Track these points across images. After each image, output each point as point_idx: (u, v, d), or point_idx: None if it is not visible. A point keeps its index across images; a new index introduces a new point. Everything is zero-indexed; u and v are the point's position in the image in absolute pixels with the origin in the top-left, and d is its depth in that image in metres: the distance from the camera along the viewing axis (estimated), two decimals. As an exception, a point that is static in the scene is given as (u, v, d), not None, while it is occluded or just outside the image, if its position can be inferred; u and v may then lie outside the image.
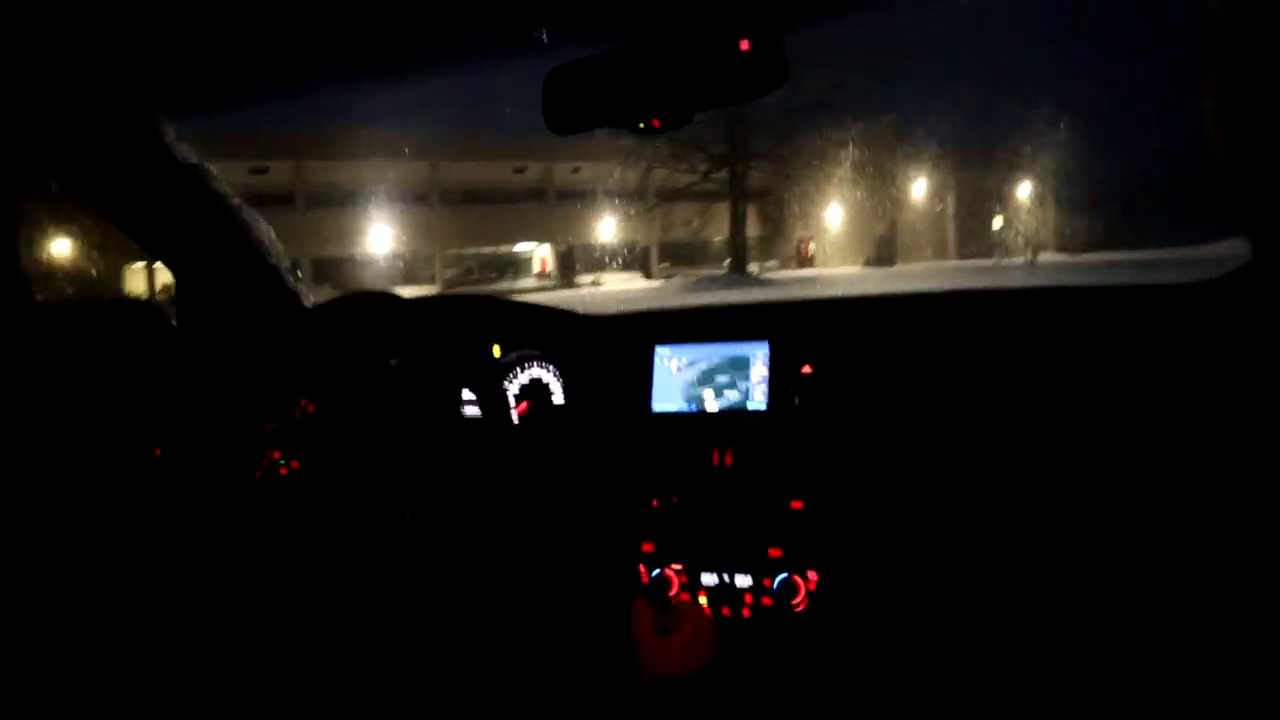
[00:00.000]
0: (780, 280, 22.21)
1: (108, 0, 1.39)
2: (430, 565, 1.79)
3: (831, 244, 30.81)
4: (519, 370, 1.83)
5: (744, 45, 1.17)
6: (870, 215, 27.72)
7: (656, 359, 1.71)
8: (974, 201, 27.99)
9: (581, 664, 1.59)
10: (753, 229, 26.95)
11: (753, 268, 25.77)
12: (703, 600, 1.55)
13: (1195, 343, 1.26)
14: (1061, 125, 24.05)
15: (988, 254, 25.39)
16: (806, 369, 1.58)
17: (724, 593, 1.54)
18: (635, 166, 24.57)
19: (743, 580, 1.53)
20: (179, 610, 1.71)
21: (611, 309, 2.01)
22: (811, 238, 31.56)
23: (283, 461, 1.90)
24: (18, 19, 1.42)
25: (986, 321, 1.58)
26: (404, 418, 1.84)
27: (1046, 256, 22.96)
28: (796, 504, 1.50)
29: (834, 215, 29.33)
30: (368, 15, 1.53)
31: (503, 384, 1.80)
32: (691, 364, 1.68)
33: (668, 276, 28.46)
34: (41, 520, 1.57)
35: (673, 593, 1.51)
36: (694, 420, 1.65)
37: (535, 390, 1.83)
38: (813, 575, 1.47)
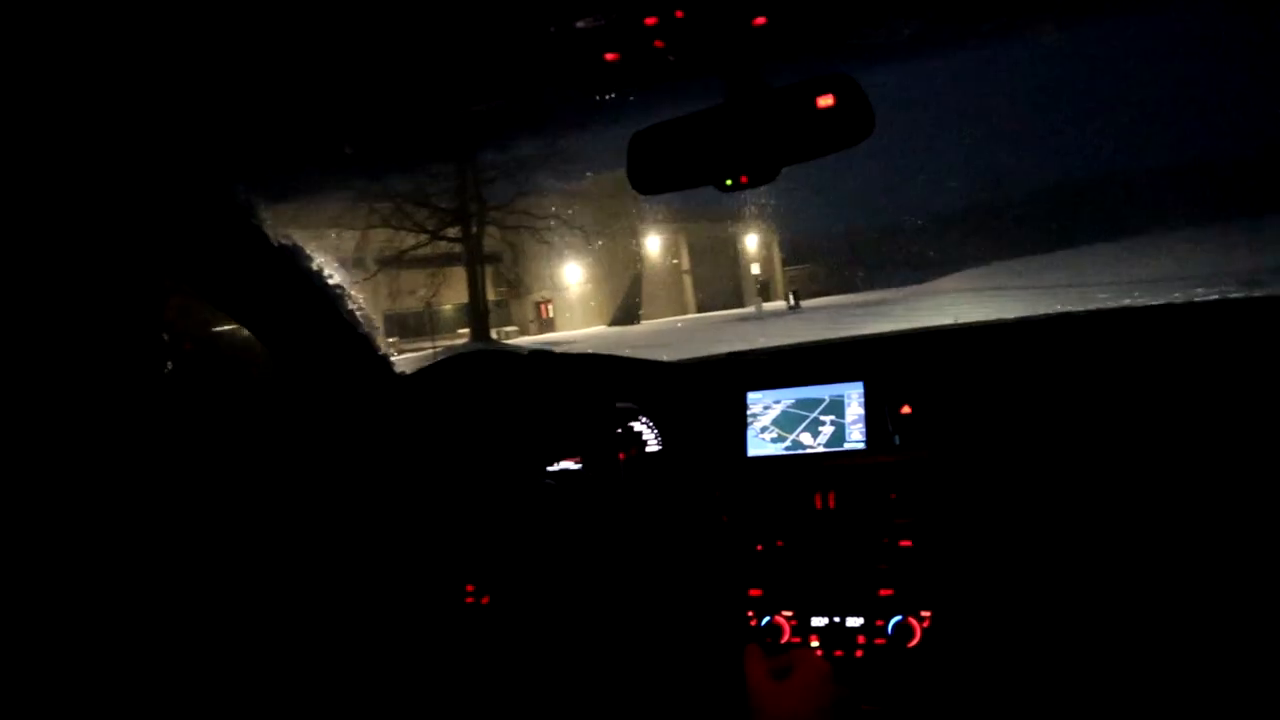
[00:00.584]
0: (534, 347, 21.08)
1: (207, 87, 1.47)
2: (537, 626, 1.81)
3: (575, 305, 29.10)
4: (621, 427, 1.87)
5: (822, 102, 1.20)
6: (612, 272, 26.52)
7: (750, 404, 1.73)
8: (707, 253, 27.70)
9: (696, 714, 1.59)
10: (490, 292, 23.98)
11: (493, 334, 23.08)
12: (814, 644, 1.55)
13: None
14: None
15: (728, 305, 25.10)
16: (906, 409, 1.58)
17: (835, 635, 1.54)
18: (349, 229, 19.85)
19: (854, 621, 1.53)
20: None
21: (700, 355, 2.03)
22: (551, 299, 29.48)
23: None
24: (121, 103, 1.50)
25: (1083, 346, 1.57)
26: (502, 476, 1.88)
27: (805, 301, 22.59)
28: (905, 543, 1.50)
29: (573, 273, 27.95)
30: (446, 92, 1.58)
31: (611, 436, 1.84)
32: (785, 407, 1.70)
33: (398, 353, 27.21)
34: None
35: (785, 639, 1.53)
36: (792, 463, 1.66)
37: (631, 440, 1.86)
38: (926, 614, 1.47)
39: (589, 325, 27.51)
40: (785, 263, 29.79)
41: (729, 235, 28.17)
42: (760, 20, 1.12)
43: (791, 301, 22.95)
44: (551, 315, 29.85)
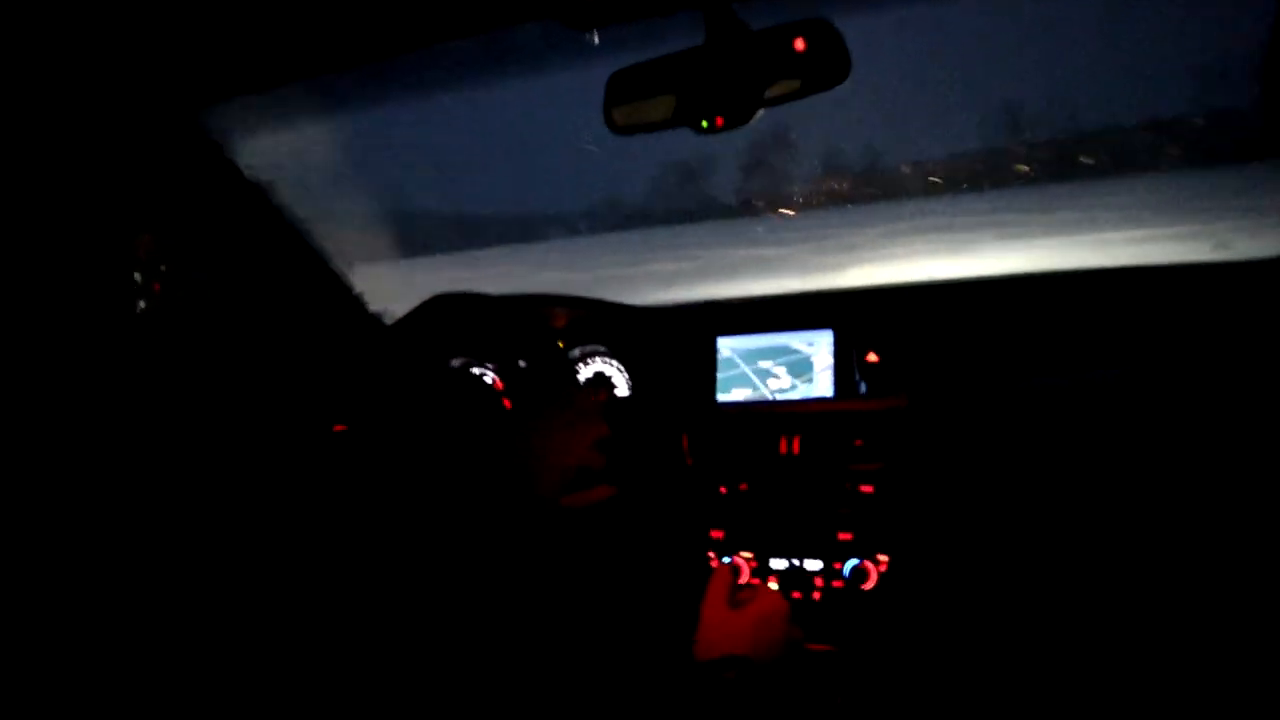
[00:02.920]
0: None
1: None
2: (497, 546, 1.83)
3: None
4: (584, 364, 1.88)
5: (799, 45, 1.19)
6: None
7: (719, 349, 1.74)
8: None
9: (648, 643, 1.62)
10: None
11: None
12: (773, 585, 1.58)
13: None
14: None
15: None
16: (872, 357, 1.60)
17: (794, 577, 1.57)
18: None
19: (812, 564, 1.56)
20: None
21: (671, 299, 2.04)
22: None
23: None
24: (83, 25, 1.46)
25: (1055, 303, 1.59)
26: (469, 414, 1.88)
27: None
28: (866, 489, 1.53)
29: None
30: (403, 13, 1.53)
31: (574, 375, 1.85)
32: (754, 354, 1.71)
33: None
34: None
35: (744, 579, 1.56)
36: (759, 409, 1.68)
37: (601, 383, 1.87)
38: (883, 558, 1.50)
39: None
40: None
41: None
42: None
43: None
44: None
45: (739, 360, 1.72)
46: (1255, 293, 1.40)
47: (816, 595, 1.55)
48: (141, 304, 1.87)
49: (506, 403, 1.73)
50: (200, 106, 1.74)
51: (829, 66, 1.19)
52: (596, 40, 1.49)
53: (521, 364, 1.87)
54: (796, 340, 1.68)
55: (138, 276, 1.85)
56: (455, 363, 1.95)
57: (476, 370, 1.93)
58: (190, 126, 1.77)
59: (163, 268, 1.97)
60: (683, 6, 1.24)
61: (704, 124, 1.27)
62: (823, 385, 1.64)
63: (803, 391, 1.66)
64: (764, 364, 1.70)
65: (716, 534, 1.64)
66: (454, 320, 1.96)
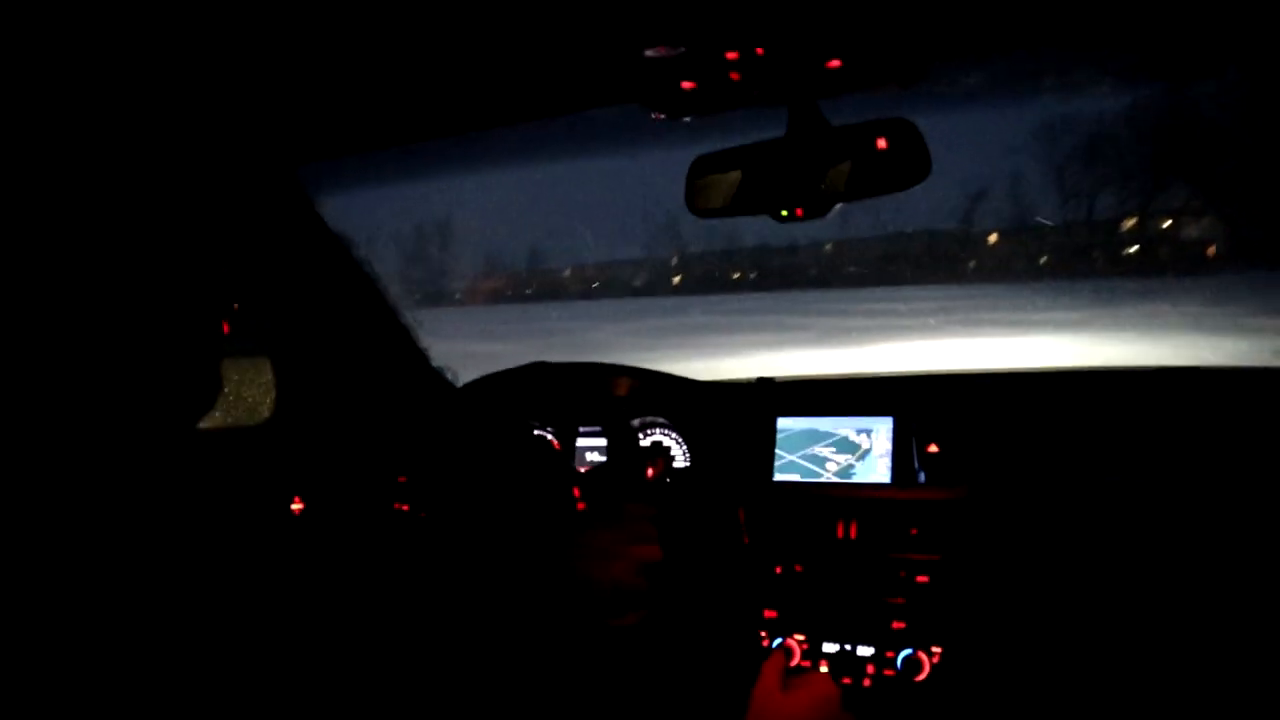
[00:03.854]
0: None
1: None
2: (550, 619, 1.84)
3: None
4: (645, 434, 1.91)
5: (881, 144, 1.23)
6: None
7: (779, 429, 1.77)
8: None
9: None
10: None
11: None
12: (824, 669, 1.57)
13: None
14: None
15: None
16: (933, 447, 1.61)
17: (845, 662, 1.57)
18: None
19: (864, 650, 1.56)
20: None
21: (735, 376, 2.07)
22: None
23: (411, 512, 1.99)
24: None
25: (1113, 400, 1.60)
26: (536, 481, 1.92)
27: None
28: (922, 578, 1.53)
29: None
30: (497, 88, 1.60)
31: (636, 443, 1.88)
32: (813, 436, 1.73)
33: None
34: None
35: (795, 661, 1.56)
36: (816, 491, 1.69)
37: (660, 454, 1.90)
38: (936, 650, 1.50)
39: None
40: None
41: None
42: (835, 63, 1.16)
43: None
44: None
45: (798, 441, 1.74)
46: None
47: (867, 682, 1.54)
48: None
49: (580, 504, 1.77)
50: (300, 162, 1.83)
51: (911, 165, 1.23)
52: (687, 121, 1.54)
53: (593, 456, 1.90)
54: (856, 425, 1.70)
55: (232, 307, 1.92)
56: (529, 426, 1.99)
57: (540, 432, 1.98)
58: (287, 180, 1.85)
59: (235, 306, 2.05)
60: (767, 102, 1.29)
61: (784, 213, 1.32)
62: (881, 471, 1.65)
63: (861, 476, 1.67)
64: (822, 447, 1.72)
65: (770, 614, 1.64)
66: (531, 386, 2.01)
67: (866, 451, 1.68)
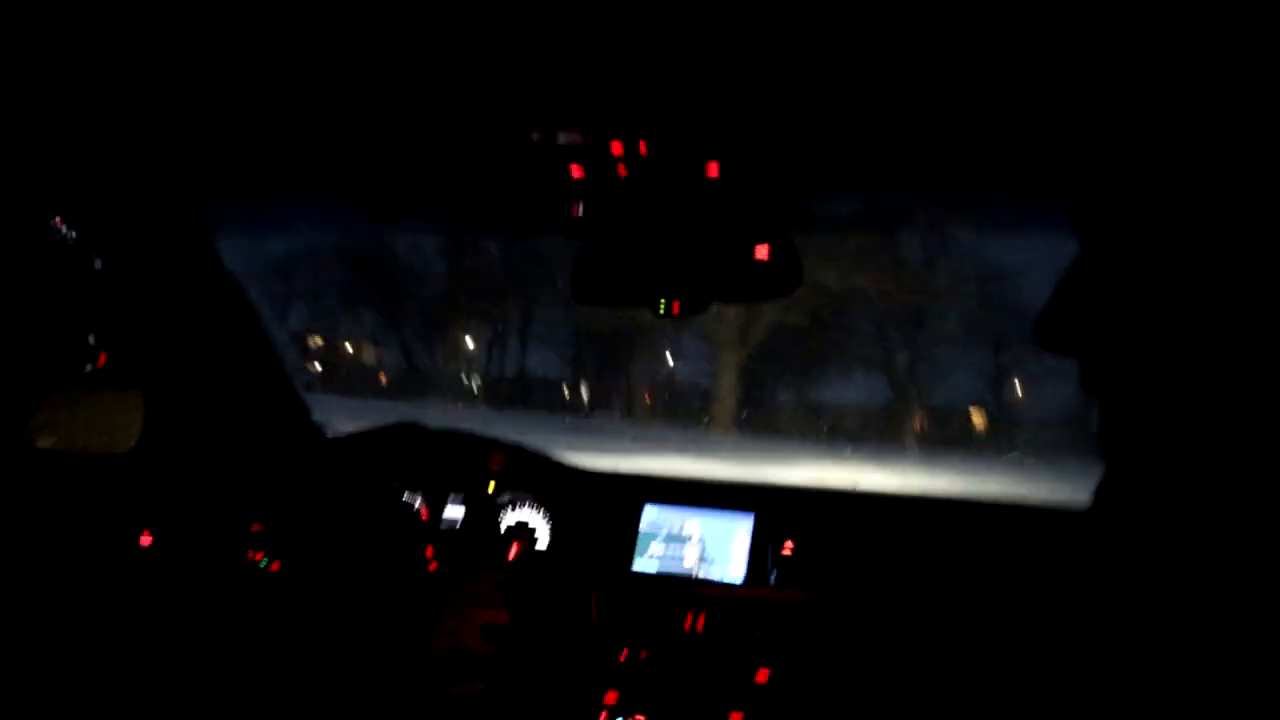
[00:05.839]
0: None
1: None
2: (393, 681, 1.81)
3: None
4: (511, 508, 1.92)
5: (760, 253, 1.31)
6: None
7: (643, 518, 1.81)
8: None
9: None
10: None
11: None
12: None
13: None
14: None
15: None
16: (788, 548, 1.67)
17: (681, 751, 1.58)
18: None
19: (702, 742, 1.57)
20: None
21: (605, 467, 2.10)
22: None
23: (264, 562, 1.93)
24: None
25: (959, 529, 1.69)
26: (393, 542, 1.90)
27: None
28: (762, 676, 1.56)
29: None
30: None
31: (497, 519, 1.89)
32: (676, 527, 1.77)
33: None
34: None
35: (631, 746, 1.57)
36: (671, 583, 1.73)
37: (522, 532, 1.91)
38: (770, 745, 1.52)
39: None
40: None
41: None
42: (714, 172, 1.24)
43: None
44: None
45: (660, 530, 1.78)
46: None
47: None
48: (88, 367, 1.89)
49: (431, 565, 1.76)
50: (203, 197, 1.82)
51: (785, 277, 1.31)
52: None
53: (449, 515, 1.90)
54: (719, 519, 1.75)
55: (91, 339, 1.88)
56: (393, 485, 1.98)
57: (408, 497, 1.97)
58: (189, 209, 1.84)
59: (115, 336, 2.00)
60: (653, 200, 1.35)
61: (661, 309, 1.38)
62: (737, 566, 1.70)
63: (719, 568, 1.71)
64: (684, 539, 1.76)
65: (610, 697, 1.65)
66: (401, 446, 2.01)
67: (726, 545, 1.73)
